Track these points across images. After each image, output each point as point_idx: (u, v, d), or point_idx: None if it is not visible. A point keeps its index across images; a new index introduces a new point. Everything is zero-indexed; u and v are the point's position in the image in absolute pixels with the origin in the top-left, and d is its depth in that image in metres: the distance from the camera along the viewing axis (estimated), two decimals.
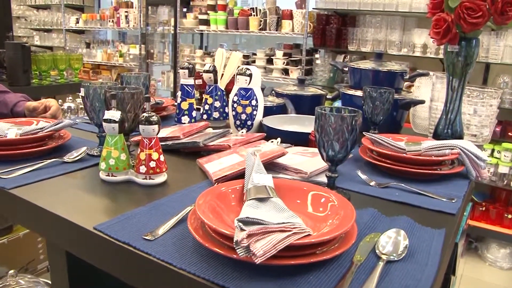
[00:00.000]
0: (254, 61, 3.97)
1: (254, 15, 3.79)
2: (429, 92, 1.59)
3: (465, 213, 1.47)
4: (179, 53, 4.38)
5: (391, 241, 0.70)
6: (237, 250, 0.58)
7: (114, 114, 0.99)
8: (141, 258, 0.70)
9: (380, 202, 0.94)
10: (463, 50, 1.33)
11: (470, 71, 1.37)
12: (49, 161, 1.10)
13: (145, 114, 0.97)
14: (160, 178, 1.00)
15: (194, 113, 1.50)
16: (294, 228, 0.61)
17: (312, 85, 3.67)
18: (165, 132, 1.31)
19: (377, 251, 0.69)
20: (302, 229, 0.62)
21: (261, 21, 3.75)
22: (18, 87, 2.62)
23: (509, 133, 3.11)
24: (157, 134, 0.98)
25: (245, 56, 4.01)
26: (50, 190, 0.95)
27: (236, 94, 1.40)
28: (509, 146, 3.05)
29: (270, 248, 0.57)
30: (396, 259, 0.67)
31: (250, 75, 1.37)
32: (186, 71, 1.46)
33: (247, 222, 0.60)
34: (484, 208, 3.21)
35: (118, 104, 1.07)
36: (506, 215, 3.12)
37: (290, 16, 3.62)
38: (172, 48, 4.45)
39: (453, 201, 0.94)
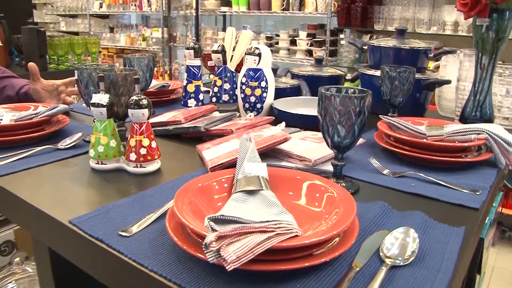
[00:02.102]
0: (277, 43, 3.85)
1: None
2: (456, 72, 1.46)
3: (494, 204, 1.35)
4: (202, 35, 4.30)
5: (398, 242, 0.60)
6: (207, 254, 0.49)
7: (101, 97, 0.91)
8: (114, 256, 0.62)
9: (393, 193, 0.83)
10: (494, 24, 1.20)
11: (502, 47, 1.24)
12: (40, 148, 1.04)
13: (134, 97, 0.89)
14: (152, 166, 0.92)
15: (201, 96, 1.41)
16: (278, 228, 0.52)
17: (336, 66, 3.55)
18: (168, 116, 1.23)
19: (381, 253, 0.59)
20: (288, 229, 0.52)
21: (284, 1, 3.62)
22: None
23: None
24: (148, 118, 0.90)
25: (268, 38, 3.89)
26: (35, 180, 0.89)
27: (244, 75, 1.30)
28: None
29: (246, 252, 0.48)
30: (402, 264, 0.57)
31: (259, 55, 1.28)
32: (192, 51, 1.37)
33: (221, 220, 0.51)
34: None
35: (110, 87, 0.99)
36: None
37: None
38: (194, 31, 4.37)
39: (478, 193, 0.83)
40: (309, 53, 3.63)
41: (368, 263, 0.58)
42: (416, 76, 1.40)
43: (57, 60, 2.74)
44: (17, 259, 1.57)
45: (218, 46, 1.43)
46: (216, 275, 0.55)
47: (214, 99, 1.45)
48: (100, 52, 5.09)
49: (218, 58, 1.43)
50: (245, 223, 0.52)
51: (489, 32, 1.21)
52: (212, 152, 0.94)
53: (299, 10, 3.57)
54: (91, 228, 0.68)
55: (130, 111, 0.89)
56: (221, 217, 0.52)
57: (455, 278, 0.58)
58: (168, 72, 4.63)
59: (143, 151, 0.90)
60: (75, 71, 1.10)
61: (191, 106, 1.39)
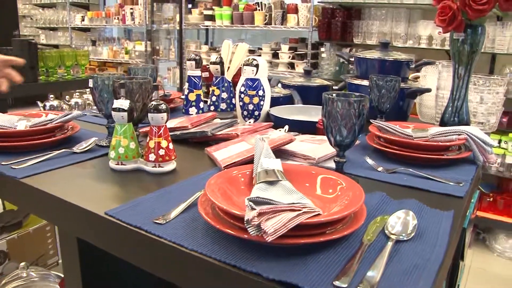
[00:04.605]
0: (260, 56, 3.97)
1: (259, 10, 3.79)
2: (435, 81, 1.59)
3: (472, 200, 1.47)
4: (185, 49, 4.39)
5: (400, 221, 0.71)
6: (248, 229, 0.59)
7: (122, 103, 1.00)
8: (153, 241, 0.71)
9: (388, 186, 0.94)
10: (469, 38, 1.33)
11: (476, 58, 1.37)
12: (58, 151, 1.11)
13: (153, 103, 0.98)
14: (169, 166, 1.01)
15: (201, 104, 1.51)
16: (304, 207, 0.62)
17: (319, 78, 3.68)
18: (173, 122, 1.32)
19: (386, 231, 0.69)
20: (312, 209, 0.62)
21: (266, 15, 3.75)
22: (25, 84, 2.63)
23: None
24: (166, 122, 0.99)
25: (250, 51, 4.01)
26: (60, 179, 0.96)
27: (243, 85, 1.40)
28: None
29: (281, 227, 0.57)
30: (405, 239, 0.67)
31: (257, 66, 1.38)
32: (193, 62, 1.47)
33: (257, 201, 0.61)
34: (491, 199, 3.21)
35: (127, 94, 1.08)
36: None
37: (295, 10, 3.62)
38: (177, 45, 4.46)
39: (461, 185, 0.95)
40: (291, 65, 3.76)
41: (376, 240, 0.68)
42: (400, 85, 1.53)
43: (47, 72, 2.79)
44: (23, 263, 1.62)
45: (216, 58, 1.53)
46: (248, 251, 0.64)
47: (212, 108, 1.55)
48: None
49: (217, 69, 1.52)
50: (276, 204, 0.61)
51: (465, 45, 1.34)
52: (223, 153, 1.04)
53: (281, 25, 3.70)
54: (127, 218, 0.76)
55: (150, 115, 0.97)
56: (257, 198, 0.61)
57: (448, 251, 0.68)
58: None
59: (161, 152, 0.99)
60: (90, 80, 1.18)
61: (192, 114, 1.48)
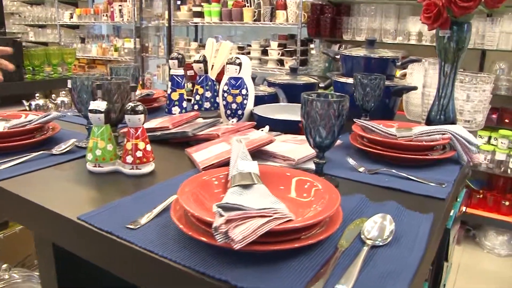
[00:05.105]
0: (249, 53, 3.95)
1: (248, 6, 3.77)
2: (421, 79, 1.58)
3: (458, 199, 1.47)
4: (174, 46, 4.36)
5: (377, 226, 0.69)
6: (216, 236, 0.57)
7: (99, 104, 0.98)
8: (124, 247, 0.69)
9: (369, 188, 0.93)
10: (454, 35, 1.32)
11: (463, 56, 1.36)
12: (37, 153, 1.09)
13: (131, 104, 0.96)
14: (147, 168, 0.99)
15: (184, 104, 1.49)
16: (275, 213, 0.60)
17: (307, 75, 3.67)
18: (155, 122, 1.29)
19: (362, 236, 0.68)
20: (283, 215, 0.61)
21: (255, 12, 3.73)
22: (11, 82, 2.60)
23: (506, 120, 3.10)
24: (143, 123, 0.97)
25: (240, 48, 3.99)
26: (36, 182, 0.94)
27: (226, 84, 1.38)
28: (505, 133, 3.04)
29: (250, 234, 0.56)
30: (381, 244, 0.66)
31: (240, 64, 1.36)
32: (176, 61, 1.45)
33: (226, 207, 0.59)
34: (481, 196, 3.21)
35: (105, 95, 1.06)
36: (503, 202, 3.11)
37: (284, 6, 3.60)
38: (166, 42, 4.42)
39: (443, 186, 0.93)
40: (280, 62, 3.74)
41: (351, 245, 0.67)
42: (386, 83, 1.52)
43: (33, 70, 2.75)
44: (5, 265, 1.60)
45: (200, 56, 1.51)
46: (220, 258, 0.62)
47: (196, 107, 1.53)
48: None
49: (200, 68, 1.50)
50: (246, 210, 0.60)
51: (451, 43, 1.32)
52: (202, 154, 1.02)
53: (270, 21, 3.68)
54: (99, 222, 0.74)
55: (127, 116, 0.95)
56: (226, 204, 0.59)
57: (426, 255, 0.67)
58: (140, 82, 4.66)
59: (139, 154, 0.97)
60: (68, 80, 1.16)
61: (175, 113, 1.46)
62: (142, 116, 0.96)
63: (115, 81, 1.07)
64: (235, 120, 1.35)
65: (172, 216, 0.68)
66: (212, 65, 1.56)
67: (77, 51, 5.24)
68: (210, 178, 0.78)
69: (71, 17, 5.24)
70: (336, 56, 1.66)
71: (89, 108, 0.98)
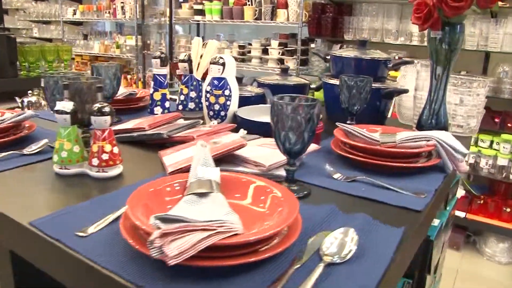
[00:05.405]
0: (249, 52, 3.90)
1: (249, 5, 3.72)
2: (414, 81, 1.53)
3: (447, 208, 1.41)
4: (175, 44, 4.32)
5: (337, 241, 0.64)
6: (151, 251, 0.53)
7: (65, 104, 0.94)
8: (70, 256, 0.65)
9: (343, 197, 0.88)
10: (446, 36, 1.26)
11: (455, 58, 1.31)
12: (5, 153, 1.06)
13: (97, 105, 0.92)
14: (114, 171, 0.95)
15: (167, 104, 1.45)
16: (221, 226, 0.55)
17: (308, 75, 3.62)
18: (133, 123, 1.26)
19: (320, 252, 0.63)
20: (230, 228, 0.56)
21: (256, 10, 3.68)
22: (5, 79, 2.59)
23: (509, 124, 3.03)
24: (110, 125, 0.93)
25: (240, 47, 3.94)
26: (1, 184, 0.91)
27: (209, 84, 1.34)
28: (508, 138, 2.96)
29: (188, 248, 0.51)
30: (339, 261, 0.61)
31: (223, 64, 1.31)
32: (158, 60, 1.41)
33: (167, 219, 0.55)
34: (482, 201, 3.13)
35: (76, 95, 1.02)
36: (504, 208, 3.04)
37: (285, 5, 3.54)
38: (168, 39, 4.39)
39: (422, 196, 0.88)
40: (281, 62, 3.69)
41: (308, 261, 0.62)
42: (376, 85, 1.47)
43: (28, 67, 2.73)
44: None
45: (185, 56, 1.46)
46: (163, 271, 0.58)
47: (180, 107, 1.49)
48: (73, 59, 5.08)
49: (185, 67, 1.46)
50: (189, 222, 0.55)
51: (443, 44, 1.27)
52: (173, 158, 0.98)
53: (271, 20, 3.63)
54: (50, 229, 0.70)
55: (92, 118, 0.92)
56: (166, 216, 0.55)
57: (390, 272, 0.62)
58: (141, 79, 4.64)
59: (105, 156, 0.93)
60: (42, 79, 1.13)
61: (157, 114, 1.42)
62: (108, 118, 0.92)
63: (86, 81, 1.03)
64: (215, 122, 1.30)
65: (120, 226, 0.64)
66: (198, 65, 1.52)
67: (79, 48, 5.23)
68: (164, 186, 0.74)
69: (74, 14, 5.22)
70: (327, 57, 1.62)
71: (55, 108, 0.94)
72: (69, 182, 0.93)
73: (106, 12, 4.79)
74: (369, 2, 3.38)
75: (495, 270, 2.95)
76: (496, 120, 3.01)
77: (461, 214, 3.06)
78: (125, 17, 4.63)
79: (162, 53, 1.42)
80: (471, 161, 3.11)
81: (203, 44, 1.58)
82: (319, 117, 0.82)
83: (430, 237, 1.08)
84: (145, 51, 4.64)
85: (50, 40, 5.93)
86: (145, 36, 4.64)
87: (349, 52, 1.52)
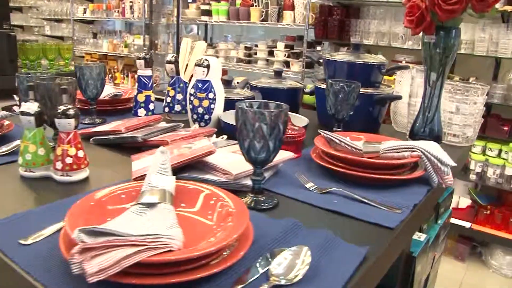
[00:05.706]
0: (255, 53, 3.86)
1: (255, 6, 3.67)
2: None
3: (439, 221, 1.35)
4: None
5: (287, 262, 0.59)
6: (71, 266, 0.49)
7: (30, 106, 0.91)
8: (8, 266, 0.61)
9: (312, 210, 0.83)
10: (441, 41, 1.21)
11: (450, 64, 1.25)
12: None
13: (61, 107, 0.89)
14: (79, 175, 0.92)
15: (151, 106, 1.41)
16: (152, 242, 0.51)
17: (313, 78, 3.55)
18: (112, 125, 1.22)
19: (268, 272, 0.58)
20: (163, 244, 0.52)
21: (262, 11, 3.63)
22: (4, 76, 2.58)
23: None
24: (75, 128, 0.90)
25: (247, 48, 3.90)
26: None
27: (193, 86, 1.30)
28: None
29: (112, 265, 0.47)
30: (285, 283, 0.56)
31: (207, 66, 1.27)
32: (143, 61, 1.38)
33: (96, 233, 0.51)
34: (488, 212, 3.03)
35: (46, 96, 0.99)
36: None
37: (291, 6, 3.49)
38: (176, 39, 4.37)
39: (398, 212, 0.83)
40: (287, 64, 3.64)
41: (254, 280, 0.57)
42: (369, 91, 1.41)
43: (28, 65, 2.72)
44: None
45: (172, 57, 1.43)
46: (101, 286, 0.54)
47: (166, 109, 1.45)
48: (83, 57, 5.09)
49: (171, 69, 1.43)
50: (119, 236, 0.51)
51: (437, 49, 1.22)
52: (141, 163, 0.94)
53: (277, 21, 3.58)
54: None
55: (56, 120, 0.88)
56: (94, 229, 0.51)
57: None
58: None
59: (69, 160, 0.89)
60: (16, 79, 1.10)
61: (141, 116, 1.39)
62: (72, 121, 0.88)
63: (56, 82, 1.00)
64: (197, 125, 1.26)
65: (60, 238, 0.60)
66: (186, 66, 1.48)
67: (89, 46, 5.24)
68: (117, 194, 0.70)
69: (85, 12, 5.23)
70: (320, 60, 1.57)
71: (20, 110, 0.91)
72: (33, 185, 0.90)
73: (115, 11, 4.78)
74: (377, 5, 3.32)
75: (500, 283, 2.86)
76: (505, 128, 2.92)
77: (466, 224, 2.97)
78: (133, 16, 4.62)
79: (146, 53, 1.38)
80: (478, 170, 3.02)
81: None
82: (287, 124, 0.78)
83: (413, 253, 1.03)
84: (153, 50, 4.63)
85: (61, 38, 5.95)
86: (153, 36, 4.62)
87: (341, 56, 1.47)
